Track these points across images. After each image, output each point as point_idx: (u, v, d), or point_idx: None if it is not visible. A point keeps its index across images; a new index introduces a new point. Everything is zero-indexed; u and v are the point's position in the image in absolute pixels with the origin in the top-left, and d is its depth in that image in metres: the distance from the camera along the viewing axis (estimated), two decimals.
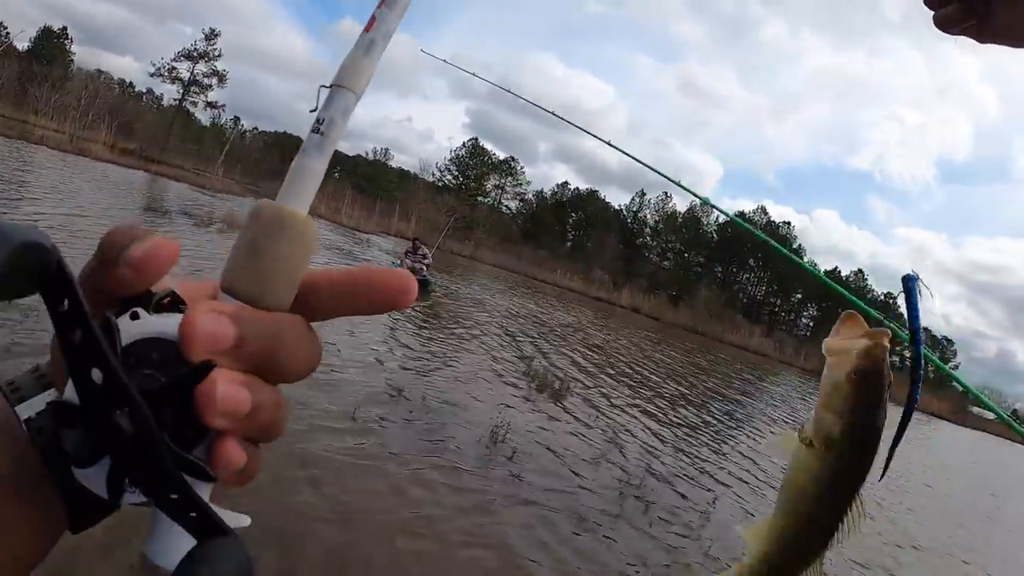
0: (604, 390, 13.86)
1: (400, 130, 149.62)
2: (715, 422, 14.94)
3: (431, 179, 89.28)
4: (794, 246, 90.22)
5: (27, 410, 0.45)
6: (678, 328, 61.47)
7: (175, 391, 0.38)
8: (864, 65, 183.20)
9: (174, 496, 0.39)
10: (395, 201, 66.73)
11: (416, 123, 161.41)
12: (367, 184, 79.33)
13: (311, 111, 0.45)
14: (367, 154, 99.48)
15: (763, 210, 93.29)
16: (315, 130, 0.45)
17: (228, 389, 0.39)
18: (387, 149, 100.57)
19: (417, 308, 17.17)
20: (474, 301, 24.41)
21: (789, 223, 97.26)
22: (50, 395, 0.46)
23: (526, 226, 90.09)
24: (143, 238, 0.41)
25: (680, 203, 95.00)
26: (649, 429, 11.58)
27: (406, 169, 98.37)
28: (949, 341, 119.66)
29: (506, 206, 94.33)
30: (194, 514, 0.40)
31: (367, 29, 0.46)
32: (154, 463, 0.38)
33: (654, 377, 19.17)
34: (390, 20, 0.47)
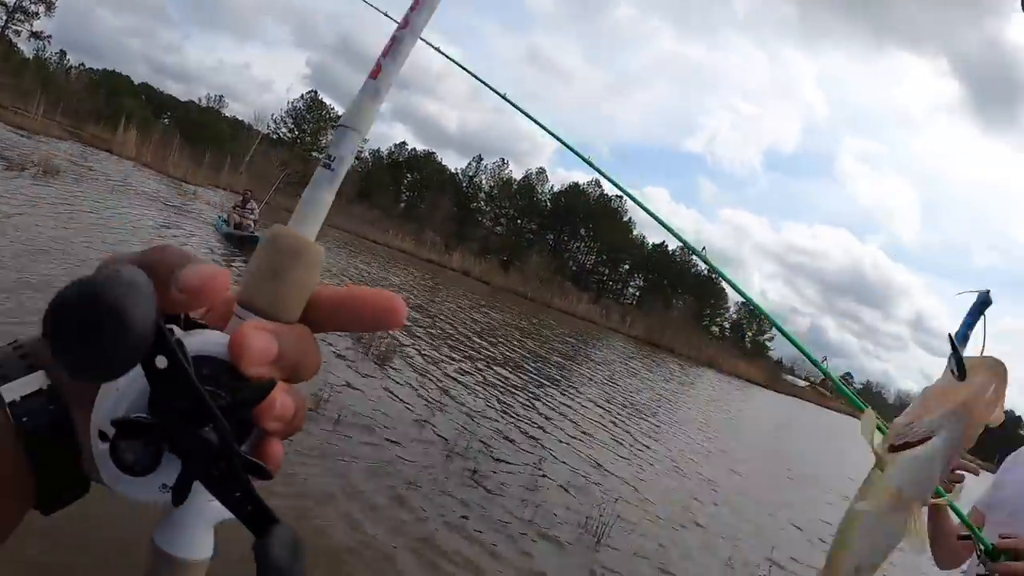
0: (430, 352, 14.01)
1: (237, 77, 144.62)
2: (538, 383, 15.37)
3: (266, 131, 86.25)
4: (624, 219, 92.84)
5: (9, 393, 0.47)
6: (508, 292, 62.14)
7: (243, 406, 0.45)
8: (707, 55, 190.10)
9: (237, 494, 0.46)
10: (226, 152, 64.18)
11: (255, 71, 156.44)
12: (198, 133, 74.93)
13: (323, 148, 0.52)
14: (200, 100, 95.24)
15: (597, 183, 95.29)
16: (326, 165, 0.52)
17: (283, 398, 0.46)
18: (222, 96, 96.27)
19: (244, 263, 16.84)
20: None
21: (621, 197, 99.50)
22: (39, 378, 0.48)
23: (360, 185, 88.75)
24: (196, 263, 0.45)
25: (516, 170, 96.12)
26: (475, 391, 11.81)
27: (240, 119, 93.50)
28: (765, 315, 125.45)
29: None
30: (251, 507, 0.46)
31: (373, 76, 0.53)
32: (229, 468, 0.45)
33: (481, 340, 19.43)
34: (392, 72, 0.53)
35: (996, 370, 1.12)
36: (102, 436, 0.44)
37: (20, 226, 11.14)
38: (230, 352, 0.45)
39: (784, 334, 1.98)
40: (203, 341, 0.46)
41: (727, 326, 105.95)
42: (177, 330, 0.46)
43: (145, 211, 20.87)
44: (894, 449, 1.17)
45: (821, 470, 19.48)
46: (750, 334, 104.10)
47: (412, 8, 0.53)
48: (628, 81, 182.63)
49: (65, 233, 11.96)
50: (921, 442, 1.13)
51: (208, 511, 0.49)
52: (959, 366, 1.13)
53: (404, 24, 0.54)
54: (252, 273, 0.48)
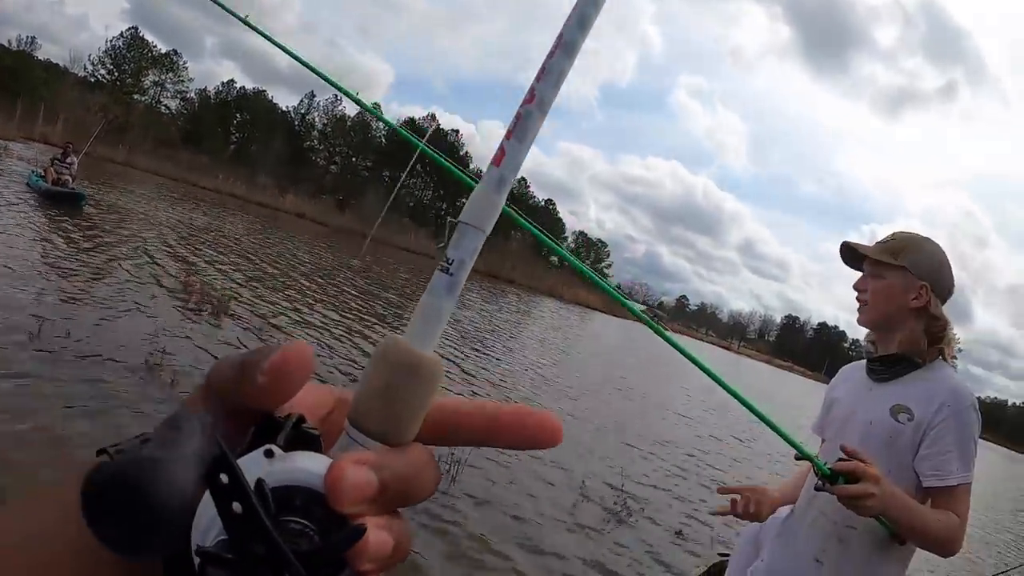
0: (269, 301, 13.87)
1: (50, 14, 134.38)
2: (369, 323, 15.21)
3: (83, 74, 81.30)
4: (461, 153, 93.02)
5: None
6: (345, 232, 61.37)
7: (331, 552, 0.39)
8: None
9: None
10: (40, 100, 60.04)
11: (69, 7, 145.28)
12: (9, 80, 67.36)
13: (439, 246, 0.51)
14: (9, 43, 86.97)
15: (433, 117, 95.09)
16: (444, 270, 0.46)
17: (377, 537, 0.40)
18: (34, 38, 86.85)
19: (68, 224, 16.25)
20: (128, 212, 22.98)
21: (458, 131, 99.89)
22: None
23: (186, 128, 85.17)
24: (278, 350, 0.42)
25: (350, 108, 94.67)
26: (319, 338, 11.71)
27: (55, 62, 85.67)
28: (603, 243, 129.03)
29: (165, 105, 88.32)
30: None
31: (496, 163, 0.46)
32: None
33: (311, 282, 19.22)
34: (520, 154, 0.47)
35: None
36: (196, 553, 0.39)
37: None
38: (325, 487, 0.40)
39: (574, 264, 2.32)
40: (296, 469, 0.41)
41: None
42: (276, 450, 0.42)
43: None
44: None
45: (651, 388, 20.59)
46: (588, 262, 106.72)
47: (537, 79, 0.45)
48: (464, 14, 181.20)
49: None
50: None
51: None
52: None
53: (530, 98, 0.47)
54: (363, 390, 0.44)
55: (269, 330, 11.13)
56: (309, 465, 0.41)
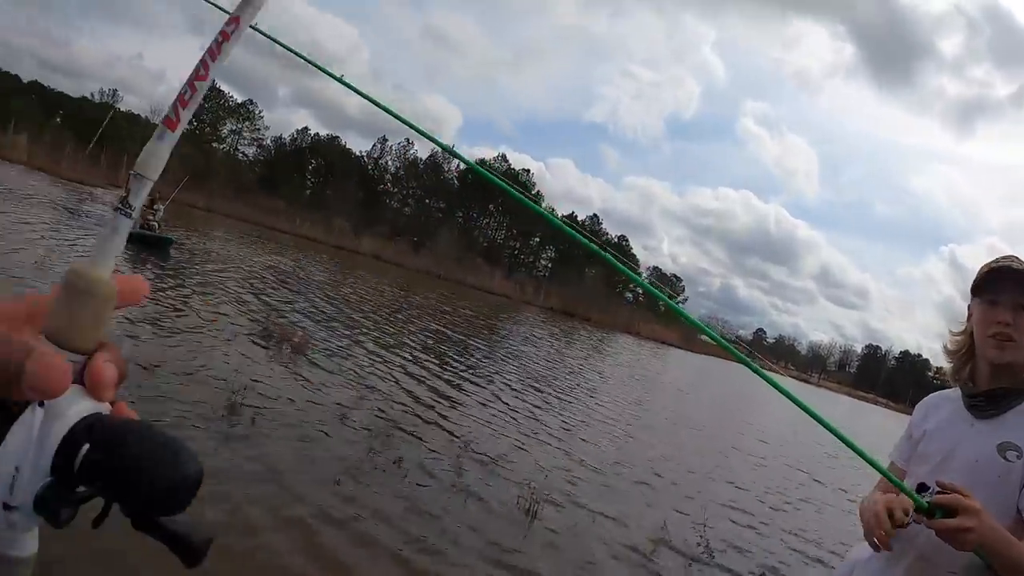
0: (348, 341, 13.90)
1: (130, 69, 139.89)
2: (455, 364, 15.30)
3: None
4: (533, 192, 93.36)
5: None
6: (421, 273, 61.91)
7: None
8: (605, 24, 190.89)
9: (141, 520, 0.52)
10: (125, 149, 62.10)
11: (148, 61, 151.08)
12: (92, 131, 70.84)
13: (121, 196, 0.56)
14: (93, 96, 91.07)
15: (503, 158, 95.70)
16: (126, 214, 0.55)
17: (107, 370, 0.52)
18: (116, 90, 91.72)
19: (155, 266, 16.76)
20: (210, 255, 23.69)
21: (528, 171, 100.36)
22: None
23: (264, 174, 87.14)
24: (35, 357, 0.48)
25: (422, 150, 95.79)
26: (398, 379, 11.68)
27: (136, 113, 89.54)
28: (677, 278, 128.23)
29: (243, 152, 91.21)
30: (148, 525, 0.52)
31: (171, 128, 0.55)
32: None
33: (394, 324, 19.34)
34: (187, 117, 0.56)
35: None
36: None
37: None
38: (89, 382, 0.52)
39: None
40: (62, 411, 0.51)
41: (640, 291, 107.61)
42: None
43: (47, 216, 20.45)
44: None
45: (731, 425, 20.14)
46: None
47: (211, 57, 0.56)
48: (528, 54, 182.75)
49: None
50: None
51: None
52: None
53: (203, 75, 0.56)
54: (53, 311, 0.53)
55: (345, 372, 11.04)
56: (73, 407, 0.51)
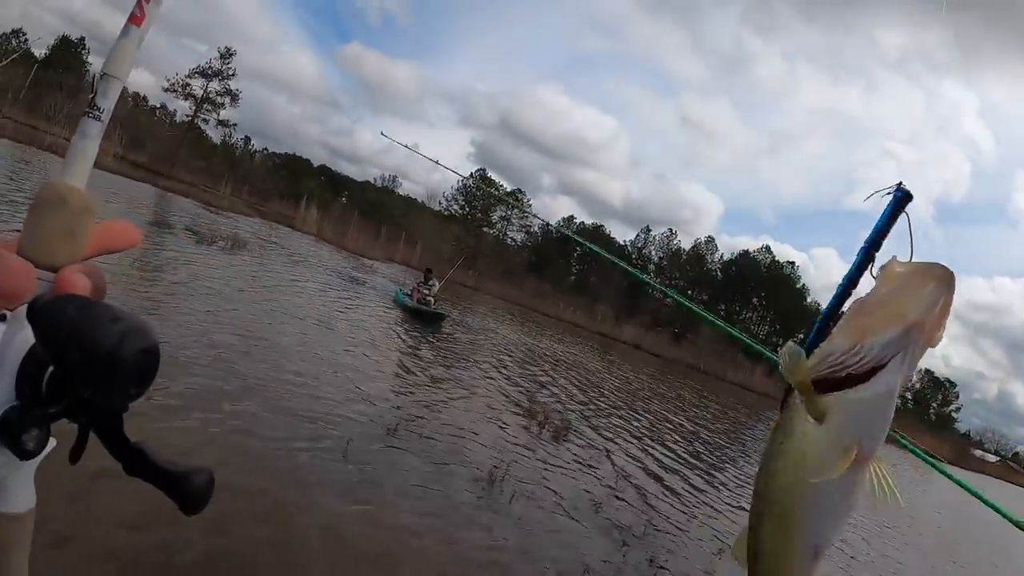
0: (605, 429, 13.63)
1: (407, 158, 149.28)
2: (717, 464, 14.71)
3: (437, 208, 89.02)
4: (798, 285, 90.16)
5: None
6: (680, 365, 61.06)
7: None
8: (860, 101, 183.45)
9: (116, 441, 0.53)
10: (401, 228, 66.39)
11: (423, 150, 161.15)
12: (373, 211, 78.16)
13: (90, 96, 0.53)
14: (375, 181, 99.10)
15: (767, 249, 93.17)
16: (96, 117, 0.53)
17: (77, 279, 0.52)
18: (395, 176, 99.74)
19: (429, 338, 17.44)
20: (479, 332, 24.41)
21: (793, 263, 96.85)
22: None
23: (531, 258, 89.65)
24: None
25: (685, 240, 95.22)
26: (653, 473, 11.31)
27: (413, 197, 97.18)
28: (951, 383, 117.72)
29: (511, 237, 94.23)
30: (118, 447, 0.54)
31: (137, 24, 0.53)
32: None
33: (657, 417, 18.90)
34: (155, 15, 0.53)
35: (945, 279, 0.82)
36: None
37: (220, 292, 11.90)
38: (59, 287, 0.51)
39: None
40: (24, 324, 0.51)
41: (908, 397, 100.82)
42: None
43: (328, 281, 21.48)
44: (830, 387, 0.82)
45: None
46: (934, 405, 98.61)
47: None
48: (783, 139, 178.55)
49: (252, 297, 12.40)
50: (869, 374, 0.81)
51: (31, 465, 0.54)
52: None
53: None
54: (26, 231, 0.51)
55: (602, 463, 10.71)
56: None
